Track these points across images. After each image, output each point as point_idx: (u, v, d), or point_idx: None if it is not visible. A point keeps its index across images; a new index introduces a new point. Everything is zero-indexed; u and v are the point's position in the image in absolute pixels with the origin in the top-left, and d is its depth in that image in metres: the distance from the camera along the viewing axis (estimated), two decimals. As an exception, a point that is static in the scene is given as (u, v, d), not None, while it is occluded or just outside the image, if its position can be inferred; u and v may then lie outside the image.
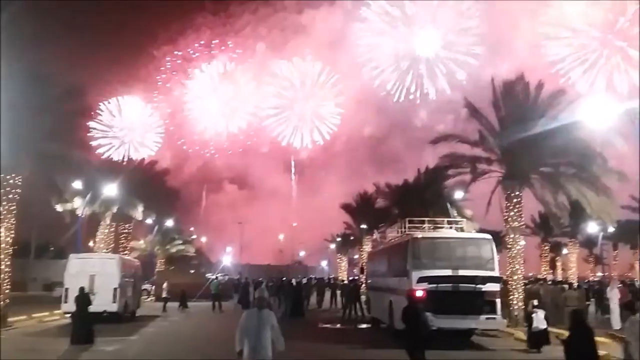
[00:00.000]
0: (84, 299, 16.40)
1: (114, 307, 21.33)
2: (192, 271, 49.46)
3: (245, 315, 7.98)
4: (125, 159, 39.59)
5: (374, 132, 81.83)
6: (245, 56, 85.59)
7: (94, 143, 65.05)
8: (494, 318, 16.35)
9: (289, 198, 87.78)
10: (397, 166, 67.36)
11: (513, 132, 23.04)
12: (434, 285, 15.83)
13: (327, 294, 35.93)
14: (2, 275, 20.60)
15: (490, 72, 57.79)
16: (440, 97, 75.79)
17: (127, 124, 79.68)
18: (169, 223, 47.13)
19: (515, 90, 24.12)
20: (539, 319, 15.65)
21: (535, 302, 16.70)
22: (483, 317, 16.16)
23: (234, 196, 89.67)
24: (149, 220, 41.98)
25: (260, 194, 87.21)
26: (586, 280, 44.90)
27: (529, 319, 16.23)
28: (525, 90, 24.05)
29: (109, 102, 77.70)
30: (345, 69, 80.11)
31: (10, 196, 21.18)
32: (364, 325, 22.86)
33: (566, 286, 25.25)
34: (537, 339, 15.55)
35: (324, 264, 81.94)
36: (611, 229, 43.74)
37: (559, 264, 59.72)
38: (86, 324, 15.99)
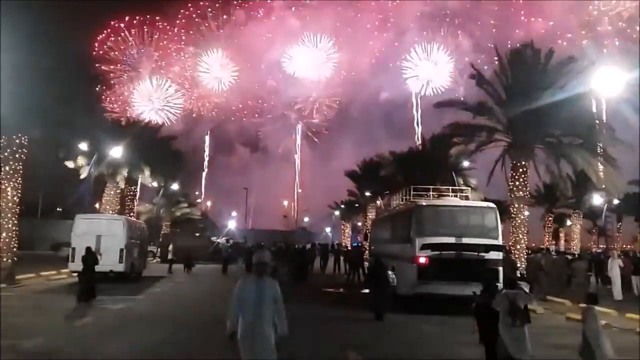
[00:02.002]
0: (91, 257, 16.61)
1: (120, 268, 21.62)
2: (198, 234, 49.93)
3: (240, 283, 6.08)
4: (131, 121, 39.50)
5: (391, 96, 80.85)
6: (262, 12, 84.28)
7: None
8: (496, 286, 16.43)
9: (301, 163, 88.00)
10: (412, 132, 67.33)
11: (520, 101, 22.80)
12: (437, 252, 15.96)
13: (331, 260, 36.30)
14: (9, 234, 20.87)
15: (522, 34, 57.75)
16: (462, 59, 75.22)
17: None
18: (175, 186, 47.31)
19: (524, 57, 23.78)
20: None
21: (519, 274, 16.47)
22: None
23: (246, 160, 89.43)
24: (155, 184, 42.21)
25: (272, 158, 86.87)
26: (589, 252, 45.05)
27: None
28: (535, 58, 23.70)
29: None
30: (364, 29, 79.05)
31: (17, 156, 21.28)
32: (366, 290, 23.09)
33: (569, 257, 25.39)
34: None
35: (328, 230, 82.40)
36: (616, 202, 43.72)
37: (562, 234, 59.97)
38: (92, 283, 16.21)
